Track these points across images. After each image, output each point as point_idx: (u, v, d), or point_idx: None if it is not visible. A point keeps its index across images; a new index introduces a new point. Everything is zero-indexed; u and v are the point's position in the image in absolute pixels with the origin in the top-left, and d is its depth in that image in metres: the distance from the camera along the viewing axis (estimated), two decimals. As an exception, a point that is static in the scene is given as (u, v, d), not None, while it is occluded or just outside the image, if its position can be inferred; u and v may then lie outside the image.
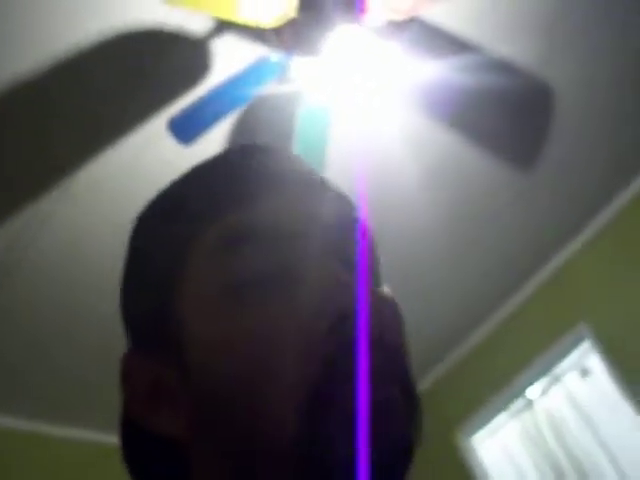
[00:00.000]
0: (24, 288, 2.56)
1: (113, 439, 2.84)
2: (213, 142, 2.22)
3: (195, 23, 2.05)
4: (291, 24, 1.95)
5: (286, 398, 0.51)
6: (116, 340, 2.84)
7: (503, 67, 2.21)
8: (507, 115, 2.39)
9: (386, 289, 0.61)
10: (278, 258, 0.56)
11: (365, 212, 0.65)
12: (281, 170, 0.62)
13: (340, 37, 1.92)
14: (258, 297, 0.55)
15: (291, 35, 1.98)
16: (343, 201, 0.64)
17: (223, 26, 2.08)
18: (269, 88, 2.07)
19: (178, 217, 0.63)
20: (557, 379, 3.17)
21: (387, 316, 0.55)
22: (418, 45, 2.03)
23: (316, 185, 0.63)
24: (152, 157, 2.28)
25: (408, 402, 0.53)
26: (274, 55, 2.00)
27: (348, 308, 0.52)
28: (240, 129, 2.23)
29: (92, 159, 2.23)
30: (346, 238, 0.59)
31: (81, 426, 3.14)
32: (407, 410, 0.53)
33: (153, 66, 2.09)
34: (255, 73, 2.03)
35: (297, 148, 2.06)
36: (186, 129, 2.04)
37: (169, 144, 2.06)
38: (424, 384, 3.66)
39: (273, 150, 0.66)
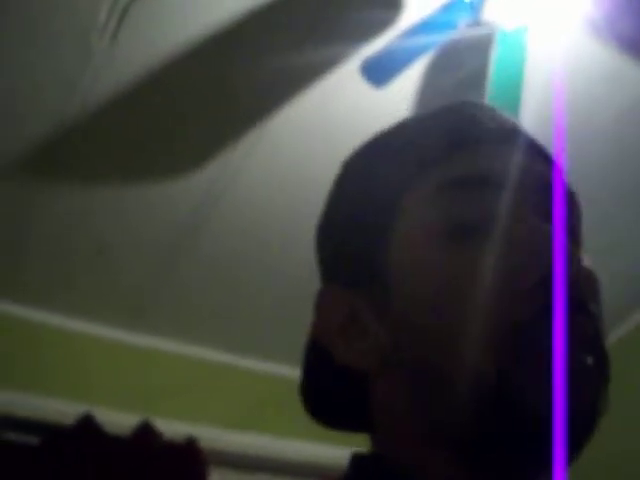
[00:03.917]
0: (213, 243, 2.69)
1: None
2: (406, 85, 2.24)
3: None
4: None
5: (488, 342, 0.53)
6: (299, 291, 2.87)
7: None
8: None
9: (584, 255, 0.61)
10: (491, 207, 0.57)
11: (564, 166, 0.66)
12: (492, 124, 0.64)
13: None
14: (470, 243, 0.56)
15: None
16: (547, 160, 0.65)
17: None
18: (462, 30, 2.06)
19: (397, 159, 0.64)
20: None
21: (586, 280, 0.56)
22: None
23: (523, 141, 0.64)
24: (344, 101, 2.32)
25: (601, 373, 0.54)
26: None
27: (552, 267, 0.53)
28: (433, 71, 2.23)
29: (282, 107, 2.29)
30: (549, 197, 0.59)
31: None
32: (599, 381, 0.53)
33: (344, 9, 2.12)
34: (447, 14, 2.03)
35: (492, 91, 2.04)
36: (379, 72, 2.08)
37: (361, 88, 2.09)
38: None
39: (483, 106, 0.68)
